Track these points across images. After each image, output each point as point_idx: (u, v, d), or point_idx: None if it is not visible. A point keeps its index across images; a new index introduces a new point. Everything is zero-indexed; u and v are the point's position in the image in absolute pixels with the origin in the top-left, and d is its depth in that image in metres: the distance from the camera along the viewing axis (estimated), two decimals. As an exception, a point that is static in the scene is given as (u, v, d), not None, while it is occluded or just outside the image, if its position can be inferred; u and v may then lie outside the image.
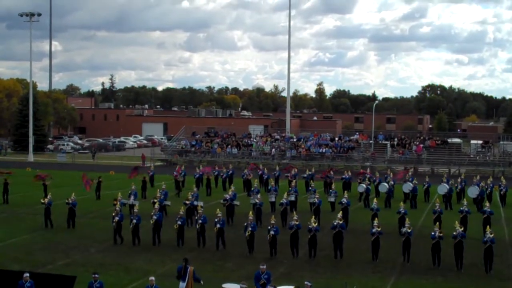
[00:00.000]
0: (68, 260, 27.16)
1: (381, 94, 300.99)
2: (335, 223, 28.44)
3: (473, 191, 43.21)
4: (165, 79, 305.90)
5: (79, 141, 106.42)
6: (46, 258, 27.43)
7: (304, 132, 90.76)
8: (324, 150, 72.89)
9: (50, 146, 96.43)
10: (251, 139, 79.01)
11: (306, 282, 19.61)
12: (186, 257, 21.65)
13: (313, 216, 30.96)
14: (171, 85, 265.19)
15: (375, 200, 36.63)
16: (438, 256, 27.25)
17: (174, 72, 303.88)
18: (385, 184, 44.46)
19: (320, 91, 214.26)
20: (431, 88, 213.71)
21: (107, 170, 62.20)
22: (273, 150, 73.66)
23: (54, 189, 43.82)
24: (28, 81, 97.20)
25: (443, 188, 43.79)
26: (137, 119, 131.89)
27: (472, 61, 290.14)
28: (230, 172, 52.06)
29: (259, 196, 37.37)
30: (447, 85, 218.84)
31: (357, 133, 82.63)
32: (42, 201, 35.10)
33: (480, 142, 74.90)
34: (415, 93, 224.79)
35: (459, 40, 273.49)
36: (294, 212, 33.16)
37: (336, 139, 77.73)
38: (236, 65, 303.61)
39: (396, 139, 75.98)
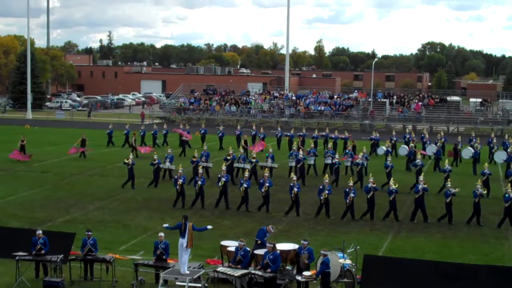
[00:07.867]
0: (67, 217, 27.28)
1: (381, 51, 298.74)
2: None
3: (500, 156, 42.48)
4: (163, 36, 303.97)
5: (78, 99, 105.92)
6: (45, 215, 27.55)
7: (303, 90, 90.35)
8: (323, 108, 72.75)
9: (48, 104, 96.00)
10: (250, 96, 78.75)
11: (302, 241, 19.61)
12: (185, 214, 21.67)
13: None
14: (169, 42, 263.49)
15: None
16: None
17: (172, 29, 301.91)
18: (405, 146, 43.62)
19: (319, 49, 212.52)
20: (430, 45, 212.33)
21: (105, 128, 61.94)
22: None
23: (53, 146, 43.69)
24: (26, 38, 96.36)
25: (467, 152, 43.00)
26: (136, 76, 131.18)
27: (472, 18, 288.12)
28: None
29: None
30: (446, 43, 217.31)
31: (356, 91, 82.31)
32: (126, 161, 34.00)
33: (479, 100, 74.73)
34: (414, 51, 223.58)
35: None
36: (370, 175, 30.42)
37: (335, 97, 77.58)
38: (234, 22, 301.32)
39: (395, 97, 75.80)
